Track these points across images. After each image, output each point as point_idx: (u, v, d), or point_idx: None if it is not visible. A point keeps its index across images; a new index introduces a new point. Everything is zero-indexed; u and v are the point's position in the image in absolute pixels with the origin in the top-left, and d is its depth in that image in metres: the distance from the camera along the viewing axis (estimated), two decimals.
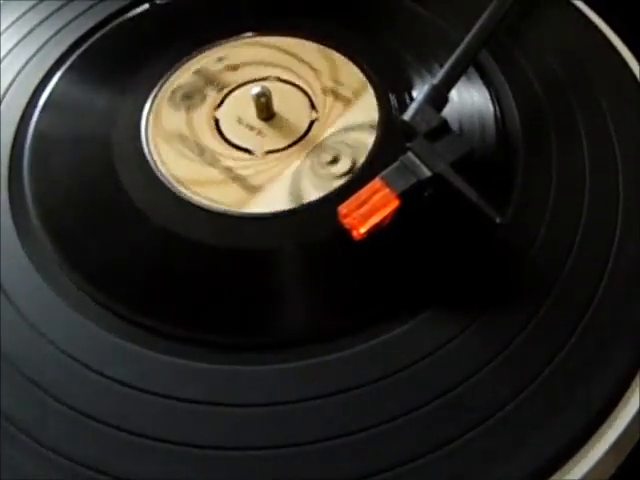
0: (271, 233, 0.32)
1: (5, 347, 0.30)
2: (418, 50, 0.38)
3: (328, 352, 0.29)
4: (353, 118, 0.36)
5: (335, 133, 0.35)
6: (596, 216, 0.32)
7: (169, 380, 0.29)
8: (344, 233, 0.30)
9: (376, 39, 0.39)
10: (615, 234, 0.31)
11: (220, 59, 0.39)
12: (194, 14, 0.41)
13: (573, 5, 0.40)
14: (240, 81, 0.38)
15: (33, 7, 0.42)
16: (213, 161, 0.35)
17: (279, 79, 0.38)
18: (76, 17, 0.41)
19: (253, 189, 0.34)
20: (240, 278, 0.31)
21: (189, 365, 0.29)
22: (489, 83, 0.37)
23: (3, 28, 0.41)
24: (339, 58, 0.38)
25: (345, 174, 0.34)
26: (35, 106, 0.38)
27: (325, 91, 0.37)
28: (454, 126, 0.34)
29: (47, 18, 0.42)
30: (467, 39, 0.35)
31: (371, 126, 0.35)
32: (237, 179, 0.34)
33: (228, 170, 0.35)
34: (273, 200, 0.33)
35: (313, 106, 0.37)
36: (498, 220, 0.30)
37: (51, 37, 0.41)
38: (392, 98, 0.36)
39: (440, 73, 0.34)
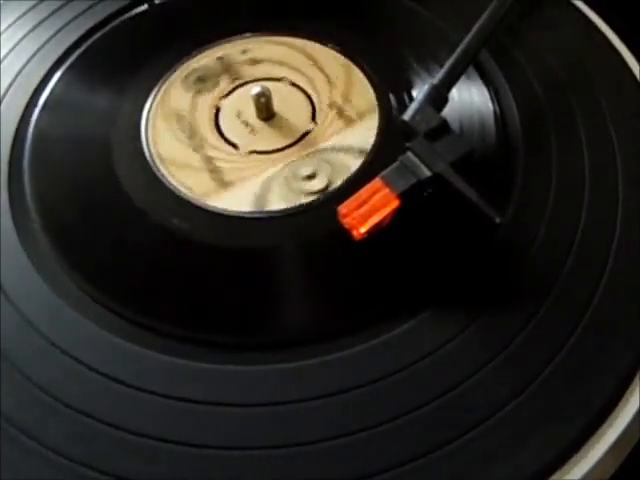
0: (271, 233, 0.32)
1: (5, 347, 0.30)
2: (418, 50, 0.38)
3: (328, 352, 0.29)
4: (347, 139, 0.35)
5: (323, 149, 0.35)
6: (596, 216, 0.32)
7: (169, 380, 0.29)
8: (344, 233, 0.30)
9: (376, 39, 0.39)
10: (615, 234, 0.31)
11: (245, 51, 0.39)
12: (194, 14, 0.41)
13: (573, 5, 0.40)
14: (255, 76, 0.38)
15: (33, 7, 0.42)
16: (198, 147, 0.35)
17: (292, 83, 0.38)
18: (76, 17, 0.41)
19: (224, 184, 0.34)
20: (240, 278, 0.31)
21: (189, 365, 0.29)
22: (489, 83, 0.37)
23: (3, 28, 0.41)
24: (358, 76, 0.37)
25: (315, 193, 0.33)
26: (35, 106, 0.38)
27: (331, 106, 0.36)
28: (454, 126, 0.34)
29: (47, 18, 0.42)
30: (467, 39, 0.35)
31: (360, 152, 0.34)
32: (213, 170, 0.34)
33: (208, 159, 0.35)
34: (237, 200, 0.33)
35: (314, 117, 0.36)
36: (498, 220, 0.30)
37: (51, 37, 0.41)
38: (394, 112, 0.36)
39: (440, 73, 0.34)
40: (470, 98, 0.36)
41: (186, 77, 0.38)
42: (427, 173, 0.31)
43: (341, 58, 0.38)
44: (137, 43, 0.40)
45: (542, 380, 0.28)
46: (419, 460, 0.26)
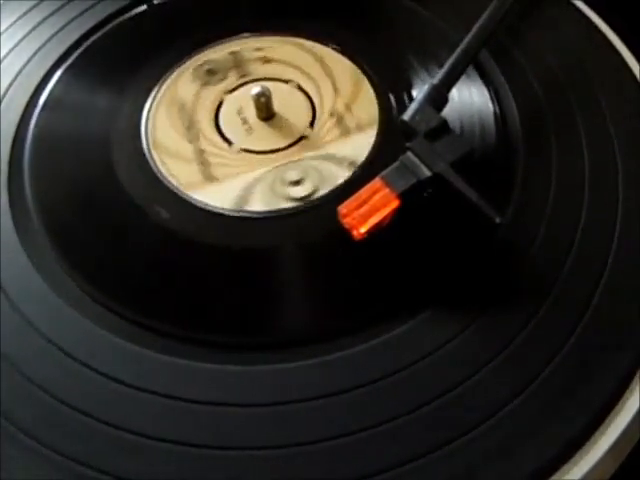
0: (271, 232, 0.32)
1: (5, 347, 0.30)
2: (418, 50, 0.38)
3: (328, 352, 0.29)
4: (340, 149, 0.35)
5: (315, 156, 0.35)
6: (596, 216, 0.32)
7: (169, 380, 0.29)
8: (344, 233, 0.30)
9: (376, 39, 0.39)
10: (615, 234, 0.31)
11: (259, 49, 0.39)
12: (194, 14, 0.41)
13: (573, 5, 0.40)
14: (264, 75, 0.38)
15: (33, 7, 0.42)
16: (194, 138, 0.36)
17: (299, 87, 0.37)
18: (76, 17, 0.41)
19: (210, 178, 0.34)
20: (240, 278, 0.31)
21: (189, 365, 0.29)
22: (489, 83, 0.37)
23: (3, 28, 0.41)
24: (367, 88, 0.37)
25: (299, 199, 0.33)
26: (35, 106, 0.38)
27: (332, 114, 0.36)
28: (454, 126, 0.34)
29: (47, 18, 0.42)
30: (467, 39, 0.35)
31: (351, 164, 0.34)
32: (203, 163, 0.35)
33: (200, 152, 0.35)
34: (219, 196, 0.33)
35: (312, 123, 0.36)
36: (497, 220, 0.30)
37: (51, 37, 0.41)
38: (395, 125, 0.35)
39: (440, 73, 0.34)
40: (470, 98, 0.36)
41: (199, 67, 0.38)
42: (427, 173, 0.31)
43: (354, 69, 0.38)
44: (137, 43, 0.40)
45: (542, 380, 0.28)
46: (419, 460, 0.26)
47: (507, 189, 0.33)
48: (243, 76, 0.38)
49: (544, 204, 0.32)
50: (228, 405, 0.28)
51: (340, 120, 0.36)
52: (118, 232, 0.33)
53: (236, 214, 0.33)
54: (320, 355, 0.29)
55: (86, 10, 0.42)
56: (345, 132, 0.35)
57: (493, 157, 0.34)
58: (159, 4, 0.42)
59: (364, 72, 0.38)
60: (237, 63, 0.38)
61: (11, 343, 0.30)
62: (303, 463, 0.26)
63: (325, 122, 0.36)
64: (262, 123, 0.36)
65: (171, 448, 0.27)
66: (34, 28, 0.41)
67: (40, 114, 0.37)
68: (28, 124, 0.37)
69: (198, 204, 0.33)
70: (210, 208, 0.33)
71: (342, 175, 0.34)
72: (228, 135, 0.36)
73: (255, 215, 0.33)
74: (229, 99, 0.37)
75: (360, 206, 0.30)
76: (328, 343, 0.29)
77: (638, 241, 0.31)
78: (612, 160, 0.34)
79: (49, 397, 0.28)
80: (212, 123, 0.36)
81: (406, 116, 0.32)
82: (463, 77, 0.35)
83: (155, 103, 0.37)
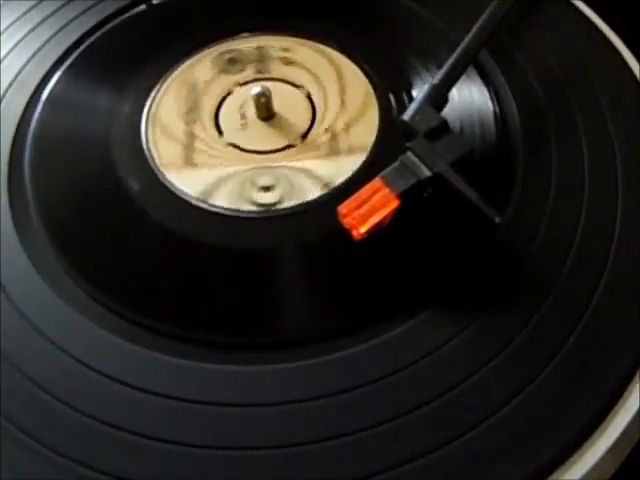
0: (271, 232, 0.32)
1: (5, 347, 0.30)
2: (418, 50, 0.38)
3: (328, 352, 0.29)
4: (320, 168, 0.34)
5: (293, 168, 0.34)
6: (596, 216, 0.32)
7: (169, 380, 0.29)
8: (344, 233, 0.30)
9: (376, 39, 0.39)
10: (615, 234, 0.31)
11: (285, 49, 0.39)
12: (194, 14, 0.41)
13: (573, 5, 0.40)
14: (279, 76, 0.38)
15: (33, 7, 0.42)
16: (190, 122, 0.36)
17: (308, 94, 0.37)
18: (76, 17, 0.41)
19: (189, 163, 0.35)
20: (240, 278, 0.31)
21: (189, 365, 0.29)
22: (489, 83, 0.37)
23: (3, 28, 0.41)
24: (374, 112, 0.36)
25: (261, 205, 0.33)
26: (35, 105, 0.38)
27: (328, 130, 0.35)
28: (454, 126, 0.34)
29: (47, 18, 0.42)
30: (467, 39, 0.35)
31: (325, 185, 0.33)
32: (188, 147, 0.35)
33: (191, 136, 0.36)
34: (190, 183, 0.34)
35: (306, 134, 0.36)
36: (497, 220, 0.30)
37: (51, 37, 0.41)
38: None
39: (440, 73, 0.34)
40: (470, 98, 0.36)
41: (221, 54, 0.39)
42: (427, 173, 0.31)
43: (369, 90, 0.37)
44: (137, 42, 0.40)
45: (542, 380, 0.28)
46: (419, 460, 0.26)
47: (507, 189, 0.33)
48: (260, 72, 0.38)
49: (544, 204, 0.32)
50: (228, 405, 0.28)
51: (334, 138, 0.35)
52: (118, 232, 0.33)
53: (199, 204, 0.33)
54: (320, 355, 0.29)
55: (86, 10, 0.42)
56: (334, 152, 0.35)
57: (493, 157, 0.34)
58: (158, 4, 0.42)
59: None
60: (260, 58, 0.39)
61: (11, 343, 0.30)
62: (303, 463, 0.26)
63: (319, 137, 0.35)
64: (259, 122, 0.36)
65: (171, 448, 0.27)
66: (34, 28, 0.41)
67: (40, 114, 0.37)
68: (28, 124, 0.37)
69: (167, 184, 0.34)
70: (177, 192, 0.33)
71: (312, 193, 0.33)
72: (222, 126, 0.36)
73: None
74: (238, 91, 0.37)
75: (360, 206, 0.30)
76: (328, 343, 0.29)
77: (638, 241, 0.31)
78: (612, 160, 0.34)
79: (49, 397, 0.28)
80: (213, 111, 0.37)
81: (406, 116, 0.32)
82: (463, 77, 0.35)
83: (169, 81, 0.37)
